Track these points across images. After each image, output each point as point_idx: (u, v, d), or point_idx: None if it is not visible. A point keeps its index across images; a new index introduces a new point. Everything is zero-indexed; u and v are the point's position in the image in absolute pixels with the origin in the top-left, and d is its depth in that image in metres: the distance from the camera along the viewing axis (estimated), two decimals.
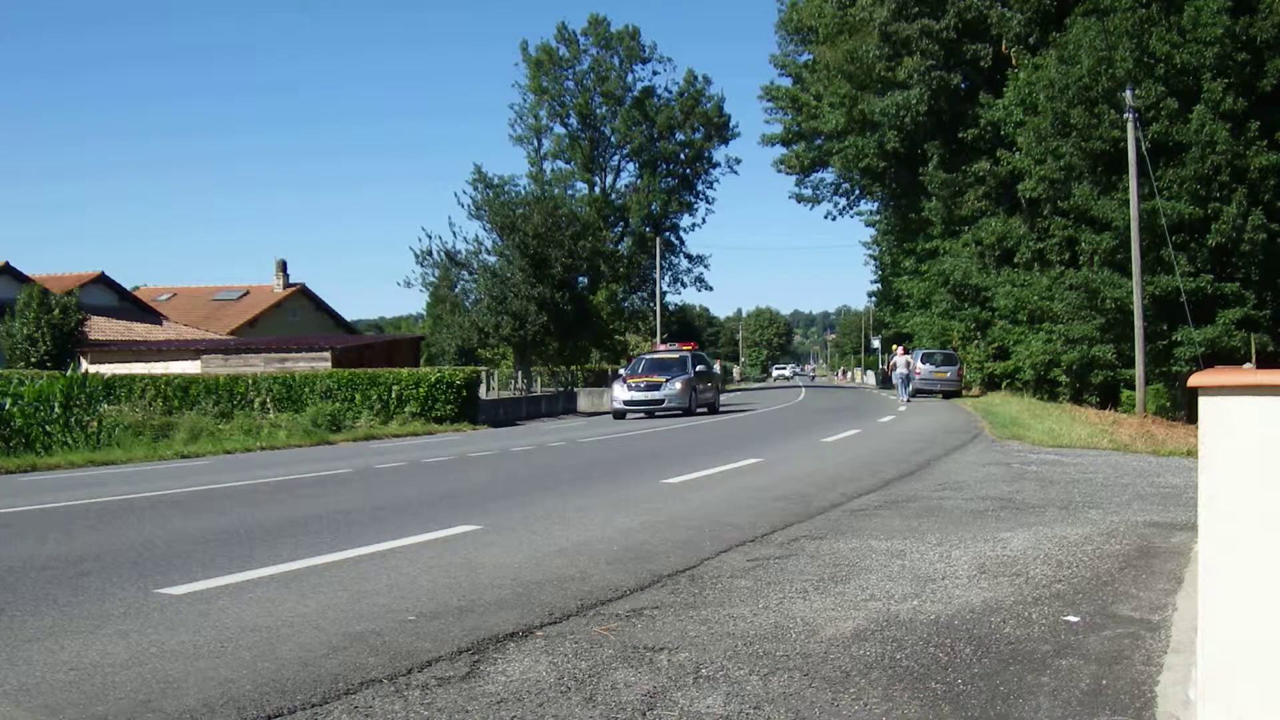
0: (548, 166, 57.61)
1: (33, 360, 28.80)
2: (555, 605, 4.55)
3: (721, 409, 28.01)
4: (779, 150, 52.10)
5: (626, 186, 59.26)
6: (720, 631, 4.11)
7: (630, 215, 57.69)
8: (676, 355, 27.10)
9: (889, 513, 7.48)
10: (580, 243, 33.21)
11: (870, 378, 74.81)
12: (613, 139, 58.38)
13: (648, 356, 27.68)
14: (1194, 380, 2.67)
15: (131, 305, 42.17)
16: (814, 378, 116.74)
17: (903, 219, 44.94)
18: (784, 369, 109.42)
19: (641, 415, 24.81)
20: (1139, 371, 23.76)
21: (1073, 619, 4.28)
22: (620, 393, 25.24)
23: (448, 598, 4.71)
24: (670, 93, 58.58)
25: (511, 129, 58.09)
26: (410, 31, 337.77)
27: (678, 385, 24.63)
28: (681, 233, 60.08)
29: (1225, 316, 24.74)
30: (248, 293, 48.01)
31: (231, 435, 18.73)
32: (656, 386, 24.65)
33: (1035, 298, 30.42)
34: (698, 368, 25.92)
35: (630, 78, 57.76)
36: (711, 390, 27.31)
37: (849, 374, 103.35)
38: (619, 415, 25.10)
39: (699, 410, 25.73)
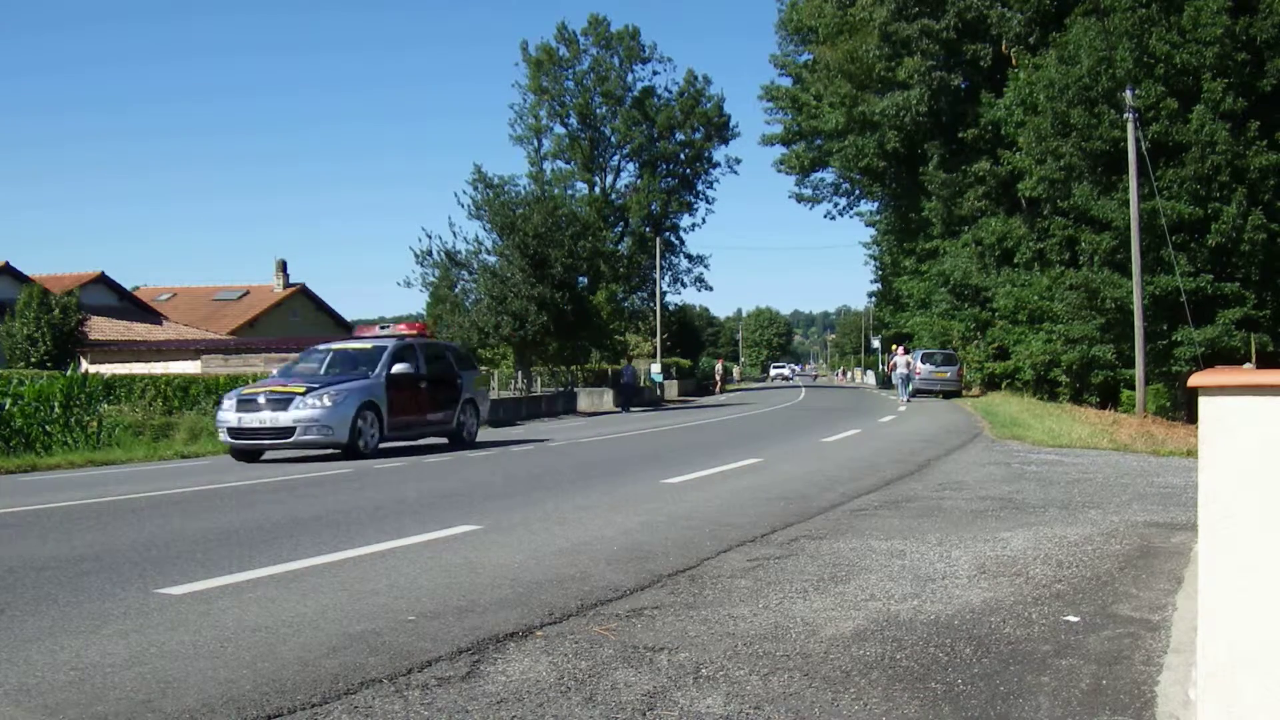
0: (548, 166, 57.63)
1: (33, 360, 28.81)
2: (555, 605, 4.55)
3: (492, 439, 17.61)
4: (779, 150, 52.19)
5: (626, 186, 59.27)
6: (720, 631, 4.11)
7: (630, 215, 57.68)
8: (370, 345, 15.40)
9: (889, 513, 7.48)
10: (580, 243, 33.17)
11: (870, 378, 74.83)
12: (613, 139, 58.37)
13: (325, 348, 16.02)
14: (1194, 380, 2.67)
15: (131, 305, 42.19)
16: (815, 377, 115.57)
17: (903, 219, 44.97)
18: (783, 368, 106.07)
19: (274, 452, 14.09)
20: (1139, 371, 23.77)
21: (1073, 619, 4.28)
22: (227, 413, 13.75)
23: (448, 598, 4.71)
24: (670, 93, 58.62)
25: (511, 129, 58.12)
26: (410, 32, 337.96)
27: (324, 402, 13.38)
28: (681, 233, 60.13)
29: (1225, 316, 24.74)
30: (248, 293, 48.03)
31: None
32: (284, 402, 13.42)
33: (1035, 298, 30.43)
34: (398, 366, 14.62)
35: (630, 78, 57.78)
36: (445, 408, 15.76)
37: (848, 374, 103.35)
38: (239, 455, 13.91)
39: (394, 441, 15.00)
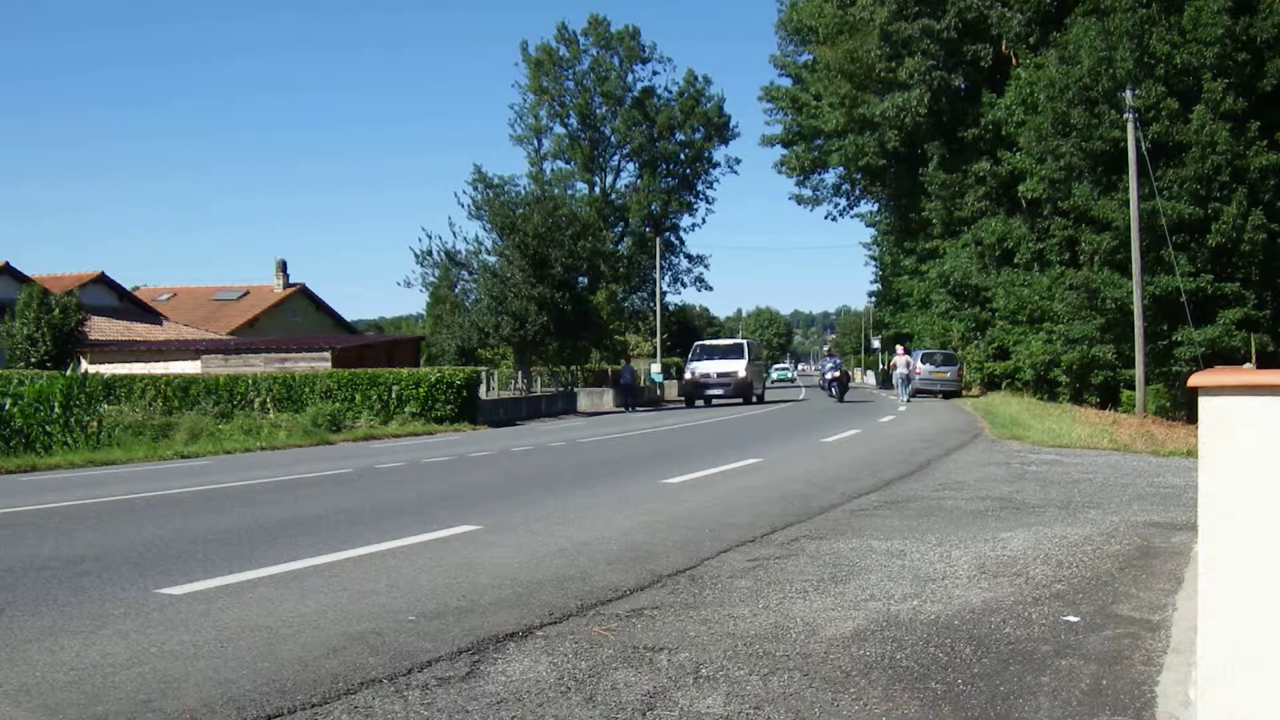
0: (548, 166, 57.69)
1: (33, 360, 28.78)
2: (555, 605, 4.55)
3: None
4: (779, 151, 52.11)
5: (626, 186, 59.31)
6: (720, 631, 4.11)
7: (630, 215, 57.70)
8: None
9: (889, 513, 7.48)
10: (580, 243, 33.14)
11: (870, 378, 74.61)
12: (613, 139, 58.41)
13: None
14: (1194, 380, 2.67)
15: (131, 305, 42.17)
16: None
17: (903, 219, 44.94)
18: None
19: None
20: (1139, 371, 23.76)
21: (1073, 619, 4.28)
22: None
23: (448, 598, 4.71)
24: (670, 93, 58.68)
25: (511, 129, 58.23)
26: (411, 31, 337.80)
27: None
28: (681, 233, 60.19)
29: (1225, 316, 24.73)
30: (248, 293, 48.00)
31: (231, 435, 18.71)
32: None
33: (1035, 298, 30.40)
34: None
35: (630, 78, 57.84)
36: None
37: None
38: None
39: None
